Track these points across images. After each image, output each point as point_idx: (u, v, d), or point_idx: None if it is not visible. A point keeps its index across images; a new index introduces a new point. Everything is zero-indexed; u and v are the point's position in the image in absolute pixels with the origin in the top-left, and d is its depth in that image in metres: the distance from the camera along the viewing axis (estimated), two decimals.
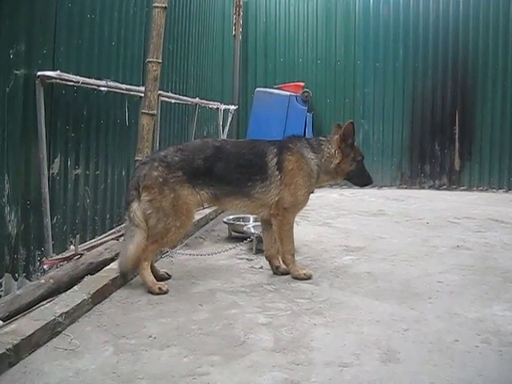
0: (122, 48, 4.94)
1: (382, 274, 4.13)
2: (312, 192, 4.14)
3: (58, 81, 3.78)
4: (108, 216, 4.79)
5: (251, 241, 4.73)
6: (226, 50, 9.42)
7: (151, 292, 3.58)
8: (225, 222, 5.46)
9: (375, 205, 7.81)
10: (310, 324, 3.10)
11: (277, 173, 3.90)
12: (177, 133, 6.64)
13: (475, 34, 9.55)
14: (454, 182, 9.80)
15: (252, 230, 4.99)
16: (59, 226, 4.00)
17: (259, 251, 4.61)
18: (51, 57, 3.80)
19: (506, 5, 9.40)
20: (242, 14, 9.78)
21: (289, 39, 10.27)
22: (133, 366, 2.55)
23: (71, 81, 3.92)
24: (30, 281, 3.56)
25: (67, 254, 3.89)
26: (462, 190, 9.64)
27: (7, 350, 2.46)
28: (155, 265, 3.93)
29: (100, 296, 3.39)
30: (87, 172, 4.39)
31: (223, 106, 8.71)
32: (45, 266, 3.73)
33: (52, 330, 2.82)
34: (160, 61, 4.64)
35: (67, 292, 3.30)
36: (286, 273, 4.06)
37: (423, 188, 9.83)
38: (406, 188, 9.82)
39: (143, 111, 4.58)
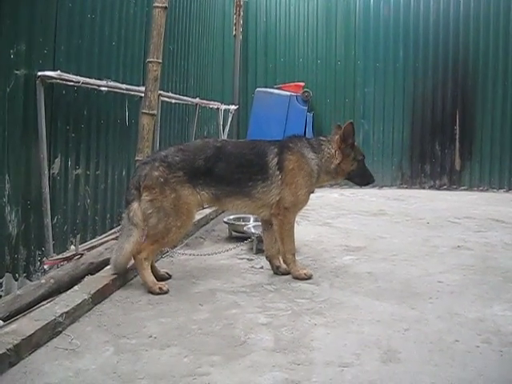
0: (123, 48, 4.94)
1: (382, 274, 4.13)
2: (312, 192, 4.14)
3: (58, 81, 3.78)
4: (108, 216, 4.79)
5: (252, 241, 4.73)
6: (226, 49, 9.42)
7: (151, 292, 3.58)
8: (225, 222, 5.46)
9: (376, 205, 7.81)
10: (310, 324, 3.10)
11: (277, 172, 3.90)
12: (177, 133, 6.64)
13: (476, 35, 9.54)
14: (454, 181, 9.80)
15: (252, 230, 4.99)
16: (60, 225, 4.00)
17: (259, 251, 4.61)
18: (52, 57, 3.79)
19: (507, 5, 9.39)
20: (242, 13, 9.78)
21: (289, 39, 10.27)
22: (133, 365, 2.55)
23: (71, 81, 3.92)
24: (31, 281, 3.56)
25: (68, 254, 3.89)
26: (462, 190, 9.63)
27: (8, 349, 2.46)
28: (155, 265, 3.93)
29: (100, 296, 3.39)
30: (88, 172, 4.39)
31: (223, 106, 8.72)
32: (45, 266, 3.73)
33: (52, 330, 2.82)
34: (160, 61, 4.64)
35: (67, 292, 3.30)
36: (287, 273, 4.06)
37: (424, 188, 9.83)
38: (406, 188, 9.82)
39: (143, 111, 4.58)
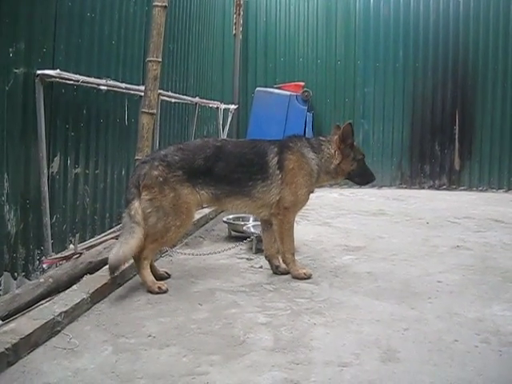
0: (122, 47, 4.93)
1: (381, 274, 4.13)
2: (312, 192, 4.14)
3: (57, 80, 3.76)
4: (107, 215, 4.78)
5: (251, 240, 4.73)
6: (226, 49, 9.42)
7: (151, 291, 3.57)
8: (224, 222, 5.46)
9: (375, 204, 7.81)
10: (309, 323, 3.10)
11: (277, 172, 3.90)
12: (177, 132, 6.64)
13: (475, 35, 9.54)
14: (453, 181, 9.80)
15: (252, 230, 4.99)
16: (58, 225, 3.99)
17: (259, 251, 4.61)
18: (51, 55, 3.78)
19: (507, 5, 9.39)
20: (242, 13, 9.77)
21: (289, 39, 10.26)
22: (132, 365, 2.54)
23: (71, 80, 3.91)
24: (29, 280, 3.56)
25: (66, 253, 3.88)
26: (461, 190, 9.63)
27: (6, 349, 2.46)
28: (155, 264, 3.93)
29: (99, 295, 3.39)
30: (87, 171, 4.38)
31: (223, 106, 8.71)
32: (44, 265, 3.72)
33: (51, 330, 2.82)
34: (160, 60, 4.64)
35: (66, 291, 3.30)
36: (286, 272, 4.06)
37: (423, 188, 9.82)
38: (405, 188, 9.81)
39: (143, 110, 4.58)
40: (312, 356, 2.67)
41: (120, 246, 3.53)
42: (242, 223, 5.33)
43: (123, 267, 3.62)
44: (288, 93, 9.41)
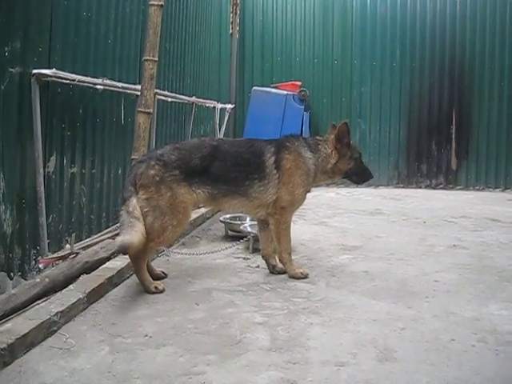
0: (119, 46, 4.91)
1: (378, 273, 4.12)
2: (309, 191, 4.14)
3: (53, 79, 3.75)
4: (104, 215, 4.77)
5: (248, 240, 4.72)
6: (222, 48, 9.41)
7: (147, 291, 3.56)
8: (221, 221, 5.45)
9: (372, 204, 7.81)
10: (306, 323, 3.09)
11: (275, 172, 3.89)
12: (173, 132, 6.62)
13: (472, 34, 9.56)
14: (450, 181, 9.81)
15: (248, 229, 4.98)
16: (55, 224, 3.98)
17: (256, 250, 4.61)
18: (47, 55, 3.77)
19: (503, 5, 9.42)
20: (238, 12, 9.77)
21: (286, 38, 10.26)
22: (128, 365, 2.54)
23: (67, 79, 3.90)
24: (26, 280, 3.54)
25: (63, 253, 3.87)
26: (458, 190, 9.65)
27: (2, 349, 2.44)
28: (151, 264, 3.92)
29: (96, 295, 3.37)
30: (83, 170, 4.37)
31: (220, 105, 8.71)
32: (40, 265, 3.71)
33: (47, 330, 2.81)
34: (156, 59, 4.63)
35: (63, 291, 3.29)
36: (283, 272, 4.05)
37: (420, 187, 9.83)
38: (402, 187, 9.83)
39: (139, 110, 4.57)
40: (309, 355, 2.66)
41: (125, 234, 3.43)
42: (239, 223, 5.33)
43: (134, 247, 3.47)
44: (285, 92, 9.40)
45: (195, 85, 7.62)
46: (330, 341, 2.85)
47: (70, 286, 3.36)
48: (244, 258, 4.54)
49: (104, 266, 3.82)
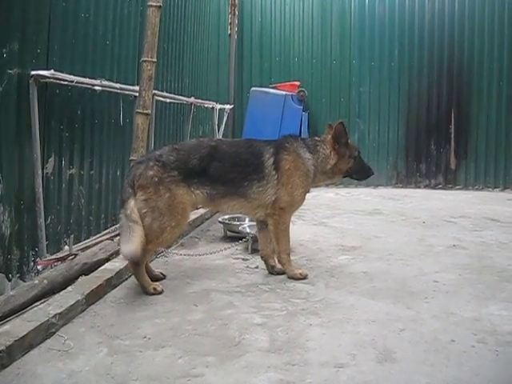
0: (117, 47, 4.91)
1: (377, 274, 4.12)
2: (308, 191, 4.13)
3: (51, 80, 3.75)
4: (103, 216, 4.77)
5: (247, 240, 4.72)
6: (221, 49, 9.41)
7: (146, 292, 3.56)
8: (220, 222, 5.45)
9: (371, 204, 7.81)
10: (305, 324, 3.09)
11: (273, 172, 3.88)
12: (172, 132, 6.62)
13: (470, 34, 9.56)
14: (449, 181, 9.81)
15: (247, 230, 4.98)
16: (53, 226, 3.97)
17: (255, 251, 4.61)
18: (45, 56, 3.76)
19: (501, 4, 9.42)
20: (237, 13, 9.76)
21: (284, 38, 10.25)
22: (127, 367, 2.53)
23: (65, 80, 3.89)
24: (24, 281, 3.53)
25: (61, 255, 3.86)
26: (457, 189, 9.65)
27: (0, 351, 2.44)
28: (150, 265, 3.91)
29: (94, 296, 3.37)
30: (82, 172, 4.36)
31: (218, 106, 8.70)
32: (39, 267, 3.70)
33: (46, 331, 2.80)
34: (155, 60, 4.62)
35: (61, 293, 3.28)
36: (282, 272, 4.05)
37: (419, 187, 9.83)
38: (401, 187, 9.83)
39: (138, 111, 4.56)
40: (308, 357, 2.66)
41: (125, 242, 3.47)
42: (238, 223, 5.32)
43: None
44: (283, 92, 9.40)
45: (194, 85, 7.62)
46: (329, 342, 2.84)
47: (69, 288, 3.36)
48: (243, 259, 4.54)
49: (103, 267, 3.81)
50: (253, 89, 9.70)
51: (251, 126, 9.25)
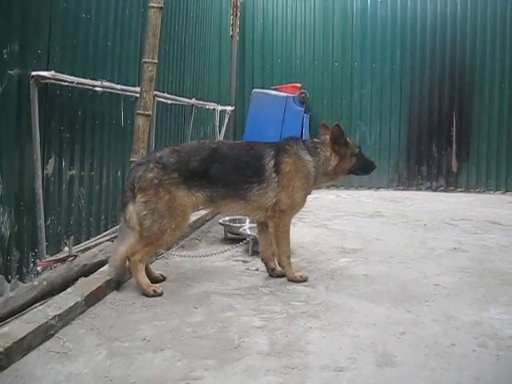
0: (118, 48, 4.91)
1: (378, 277, 4.11)
2: (309, 193, 4.12)
3: (52, 81, 3.75)
4: (103, 217, 4.76)
5: (247, 242, 4.71)
6: (222, 50, 9.40)
7: (146, 294, 3.55)
8: (221, 224, 5.44)
9: (372, 206, 7.80)
10: (305, 327, 3.07)
11: (274, 175, 3.87)
12: (173, 134, 6.61)
13: (473, 35, 9.56)
14: (451, 183, 9.80)
15: (248, 232, 4.96)
16: (53, 227, 3.96)
17: (255, 253, 4.59)
18: (46, 57, 3.76)
19: (504, 6, 9.42)
20: (239, 14, 9.77)
21: (286, 40, 10.24)
22: (126, 369, 2.52)
23: (66, 81, 3.89)
24: (24, 283, 3.53)
25: (61, 256, 3.86)
26: (459, 192, 9.63)
27: None
28: (150, 266, 3.90)
29: (94, 298, 3.35)
30: (82, 173, 4.35)
31: (220, 107, 8.70)
32: (38, 268, 3.70)
33: (44, 333, 2.79)
34: (156, 61, 4.62)
35: (60, 294, 3.27)
36: (282, 275, 4.03)
37: (420, 190, 9.82)
38: (403, 189, 9.82)
39: (139, 112, 4.56)
40: (308, 360, 2.64)
41: (112, 255, 3.66)
42: (239, 225, 5.31)
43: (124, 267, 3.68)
44: (285, 94, 9.39)
45: (195, 87, 7.61)
46: (329, 345, 2.83)
47: (68, 289, 3.35)
48: (243, 261, 4.53)
49: (102, 268, 3.79)
50: (254, 90, 9.69)
51: (252, 128, 9.24)
